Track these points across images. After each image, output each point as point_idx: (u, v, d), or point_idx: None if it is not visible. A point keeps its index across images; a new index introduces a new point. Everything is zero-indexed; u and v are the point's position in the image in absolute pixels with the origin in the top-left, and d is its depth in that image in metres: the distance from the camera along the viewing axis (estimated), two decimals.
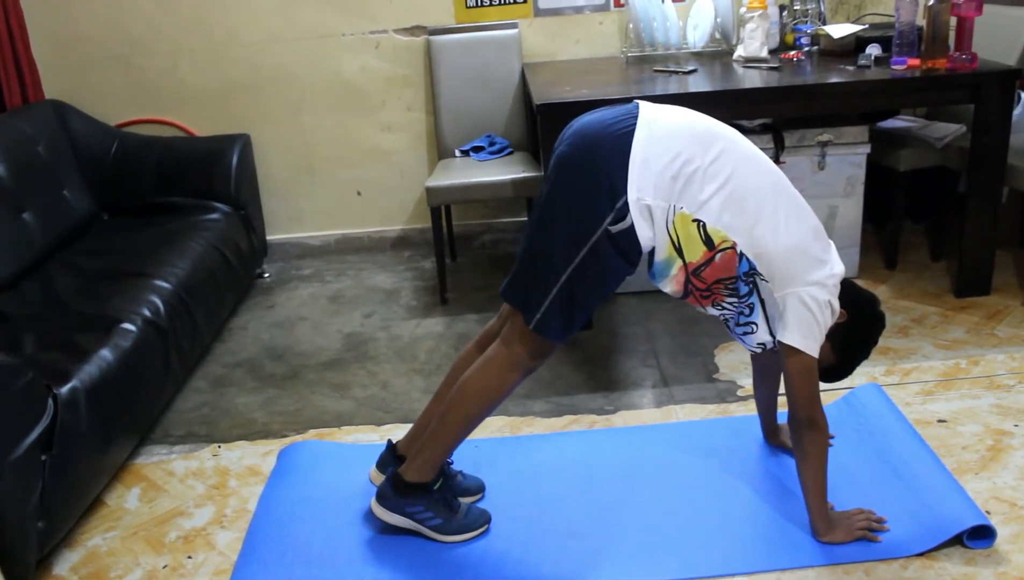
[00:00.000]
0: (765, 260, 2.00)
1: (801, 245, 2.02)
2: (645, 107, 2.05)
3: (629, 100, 2.13)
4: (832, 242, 2.12)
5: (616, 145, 1.98)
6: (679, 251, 2.02)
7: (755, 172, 2.03)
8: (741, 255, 2.00)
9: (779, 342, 2.05)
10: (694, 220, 1.98)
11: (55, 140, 3.62)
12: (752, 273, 2.02)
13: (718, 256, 2.01)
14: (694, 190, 1.97)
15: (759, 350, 2.18)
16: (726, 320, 2.19)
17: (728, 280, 2.05)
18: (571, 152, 2.03)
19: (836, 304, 2.05)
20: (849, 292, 2.13)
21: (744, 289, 2.06)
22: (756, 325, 2.11)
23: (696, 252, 2.01)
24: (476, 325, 3.45)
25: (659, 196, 1.97)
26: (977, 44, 3.24)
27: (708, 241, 2.00)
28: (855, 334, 2.14)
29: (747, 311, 2.10)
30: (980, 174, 3.26)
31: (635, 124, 2.00)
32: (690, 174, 1.97)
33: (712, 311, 2.15)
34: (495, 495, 2.39)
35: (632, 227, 1.97)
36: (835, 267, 2.07)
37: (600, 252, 1.99)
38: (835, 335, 2.08)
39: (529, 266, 2.09)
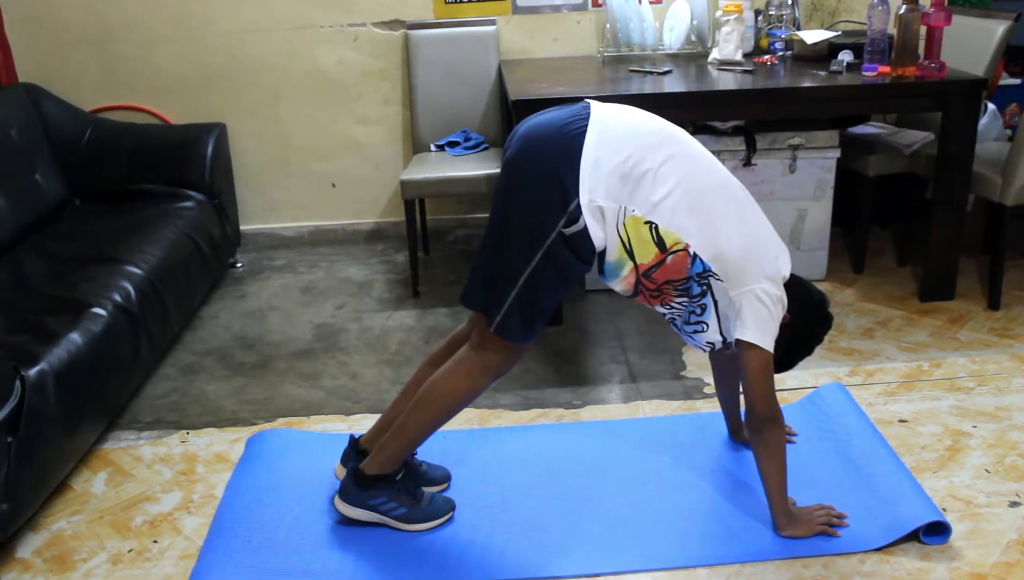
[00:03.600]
0: (720, 261, 2.02)
1: (754, 244, 2.05)
2: (596, 107, 2.04)
3: (579, 100, 2.12)
4: (782, 242, 2.14)
5: (567, 147, 1.97)
6: (630, 253, 2.02)
7: (706, 173, 2.04)
8: (694, 256, 2.01)
9: (737, 340, 2.06)
10: (646, 222, 1.99)
11: (28, 124, 3.60)
12: (706, 273, 2.03)
13: (670, 258, 2.02)
14: (645, 192, 1.97)
15: (707, 349, 2.20)
16: (672, 319, 2.20)
17: (678, 281, 2.06)
18: (521, 156, 2.01)
19: (785, 299, 2.09)
20: (799, 290, 2.16)
21: (697, 289, 2.07)
22: (707, 324, 2.13)
23: (648, 254, 2.02)
24: (447, 319, 3.46)
25: (610, 197, 1.97)
26: (946, 54, 3.30)
27: (660, 243, 2.01)
28: (799, 333, 2.17)
29: (699, 311, 2.11)
30: (946, 181, 3.32)
31: (586, 125, 1.99)
32: (641, 175, 1.97)
33: (660, 310, 2.16)
34: (462, 486, 2.41)
35: (585, 228, 1.97)
36: (783, 267, 2.10)
37: (555, 254, 1.99)
38: (778, 335, 2.08)
39: (486, 270, 2.08)
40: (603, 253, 2.04)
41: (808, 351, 2.25)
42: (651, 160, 1.98)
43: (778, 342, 2.09)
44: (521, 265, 2.01)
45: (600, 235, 1.99)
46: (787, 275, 2.11)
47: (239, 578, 2.09)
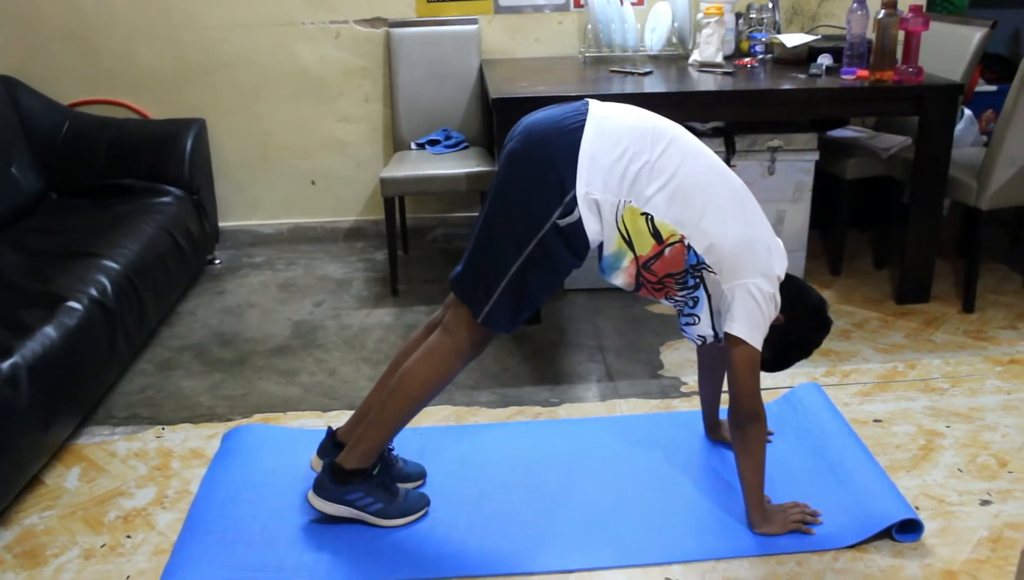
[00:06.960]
0: (714, 253, 2.03)
1: (749, 238, 2.06)
2: (594, 105, 2.09)
3: (579, 98, 2.16)
4: (779, 238, 2.16)
5: (566, 141, 2.01)
6: (629, 244, 2.05)
7: (702, 167, 2.07)
8: (689, 248, 2.04)
9: (725, 333, 2.08)
10: (642, 213, 2.01)
11: (4, 117, 3.57)
12: (700, 266, 2.06)
13: (667, 250, 2.04)
14: (642, 185, 2.00)
15: (699, 342, 2.23)
16: (679, 311, 2.23)
17: (677, 274, 2.08)
18: (521, 148, 2.06)
19: (779, 298, 2.10)
20: (797, 292, 2.17)
21: (691, 281, 2.09)
22: (699, 318, 2.15)
23: (646, 245, 2.05)
24: (425, 317, 3.43)
25: (608, 191, 2.00)
26: (924, 59, 3.33)
27: (656, 234, 2.03)
28: (794, 336, 2.18)
29: (691, 303, 2.14)
30: (923, 185, 3.35)
31: (584, 121, 2.03)
32: (638, 169, 2.00)
33: (665, 302, 2.20)
34: (439, 482, 2.41)
35: (580, 221, 2.00)
36: (778, 266, 2.11)
37: (548, 246, 2.02)
38: (771, 335, 2.10)
39: (478, 260, 2.10)
40: (601, 247, 2.07)
41: (805, 354, 2.27)
42: (648, 154, 2.01)
43: (772, 341, 2.10)
44: (514, 254, 2.03)
45: (595, 228, 2.02)
46: (781, 275, 2.12)
47: (213, 573, 2.08)
